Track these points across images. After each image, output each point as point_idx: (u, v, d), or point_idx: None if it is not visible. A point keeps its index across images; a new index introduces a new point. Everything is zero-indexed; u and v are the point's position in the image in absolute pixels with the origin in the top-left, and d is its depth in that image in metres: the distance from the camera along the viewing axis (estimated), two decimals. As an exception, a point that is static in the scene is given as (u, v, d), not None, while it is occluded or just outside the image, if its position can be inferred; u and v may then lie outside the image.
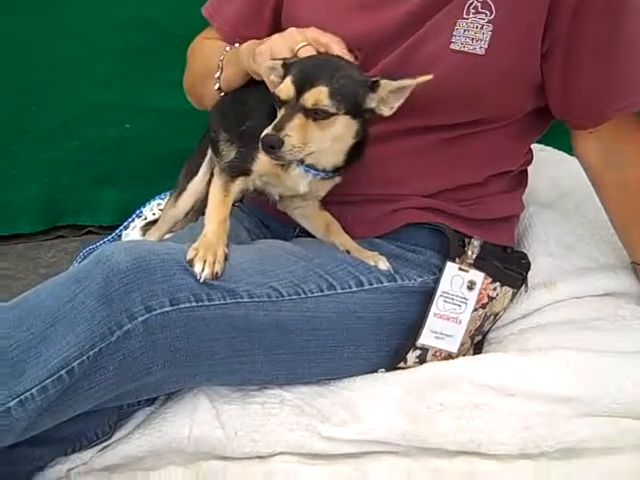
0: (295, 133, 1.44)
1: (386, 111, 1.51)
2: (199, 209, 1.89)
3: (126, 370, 1.41)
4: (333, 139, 1.50)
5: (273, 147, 1.43)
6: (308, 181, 1.57)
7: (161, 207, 2.20)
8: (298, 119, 1.45)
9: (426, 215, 1.65)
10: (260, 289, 1.50)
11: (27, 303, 1.43)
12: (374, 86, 1.49)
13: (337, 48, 1.54)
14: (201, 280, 1.44)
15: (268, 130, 1.44)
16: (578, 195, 2.02)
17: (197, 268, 1.45)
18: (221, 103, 1.79)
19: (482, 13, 1.57)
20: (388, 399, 1.56)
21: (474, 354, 1.71)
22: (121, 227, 2.24)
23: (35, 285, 2.36)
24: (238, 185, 1.58)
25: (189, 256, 1.46)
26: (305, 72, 1.47)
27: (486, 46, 1.57)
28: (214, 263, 1.46)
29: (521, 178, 1.82)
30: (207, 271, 1.45)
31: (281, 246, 1.63)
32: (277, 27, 1.78)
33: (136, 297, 1.40)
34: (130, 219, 2.24)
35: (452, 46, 1.58)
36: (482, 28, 1.57)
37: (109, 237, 2.27)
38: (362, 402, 1.57)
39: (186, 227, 1.90)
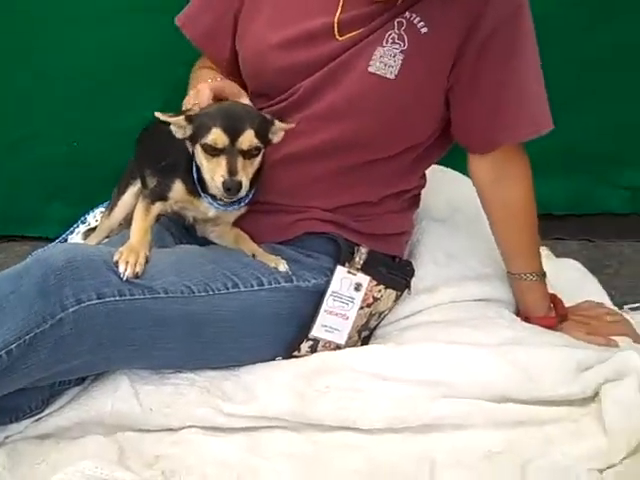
0: (245, 174, 1.73)
1: (276, 140, 1.81)
2: (130, 220, 2.16)
3: (58, 353, 1.65)
4: (254, 171, 1.78)
5: (230, 189, 1.71)
6: (214, 208, 1.83)
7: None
8: (241, 162, 1.72)
9: (324, 226, 1.92)
10: (175, 286, 1.75)
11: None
12: (272, 123, 1.78)
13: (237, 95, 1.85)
14: (124, 278, 1.70)
15: (225, 177, 1.70)
16: (468, 212, 2.26)
17: (121, 268, 1.71)
18: (144, 144, 2.06)
19: (397, 44, 1.83)
20: (282, 383, 1.82)
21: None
22: (67, 232, 2.47)
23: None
24: (157, 208, 1.85)
25: (115, 258, 1.72)
26: (229, 120, 1.73)
27: (396, 72, 1.83)
28: (135, 264, 1.73)
29: (414, 200, 2.08)
30: (129, 271, 1.71)
31: (196, 250, 1.89)
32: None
33: (68, 291, 1.64)
34: (75, 225, 2.46)
35: (369, 69, 1.84)
36: (395, 56, 1.83)
37: (57, 241, 2.50)
38: (259, 385, 1.83)
39: (120, 234, 2.16)
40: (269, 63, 1.94)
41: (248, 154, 1.73)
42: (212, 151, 1.72)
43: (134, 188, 2.12)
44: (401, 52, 1.83)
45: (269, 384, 1.83)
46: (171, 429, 1.79)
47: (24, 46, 2.60)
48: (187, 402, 1.80)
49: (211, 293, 1.79)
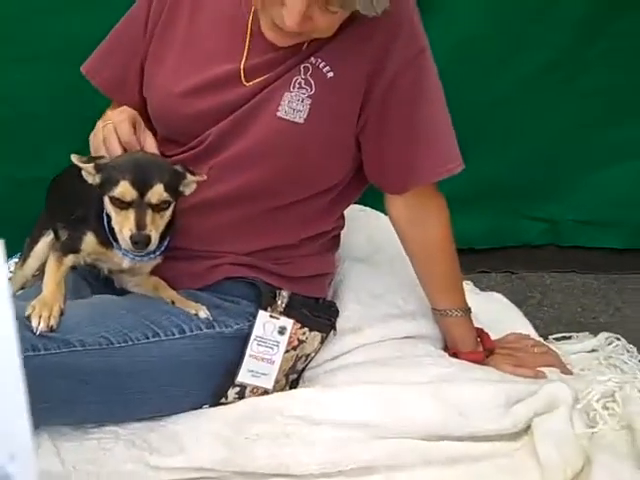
0: (154, 228, 1.69)
1: (187, 192, 1.78)
2: (44, 271, 2.10)
3: None
4: (165, 224, 1.74)
5: (137, 243, 1.67)
6: (129, 260, 1.79)
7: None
8: (150, 215, 1.68)
9: (242, 270, 1.88)
10: (92, 338, 1.70)
11: None
12: (184, 176, 1.75)
13: (149, 143, 1.84)
14: (37, 333, 1.64)
15: (132, 230, 1.66)
16: (390, 250, 2.25)
17: (34, 322, 1.65)
18: (55, 193, 2.03)
19: (304, 89, 1.82)
20: (209, 432, 1.77)
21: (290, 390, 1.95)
22: (-21, 285, 2.39)
23: None
24: (70, 260, 1.79)
25: (27, 312, 1.66)
26: (138, 173, 1.70)
27: (305, 116, 1.81)
28: (49, 317, 1.66)
29: (334, 241, 2.07)
30: (42, 325, 1.65)
31: (113, 300, 1.84)
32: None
33: None
34: (-14, 277, 2.38)
35: (278, 114, 1.82)
36: (303, 101, 1.82)
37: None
38: (187, 435, 1.77)
39: (35, 285, 2.09)
40: (176, 111, 1.91)
41: (157, 208, 1.70)
42: (120, 204, 1.69)
43: (47, 238, 2.08)
44: (308, 97, 1.82)
45: (196, 434, 1.78)
46: (96, 487, 1.73)
47: None
48: (112, 457, 1.74)
49: (130, 343, 1.74)
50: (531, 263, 2.83)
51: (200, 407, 1.84)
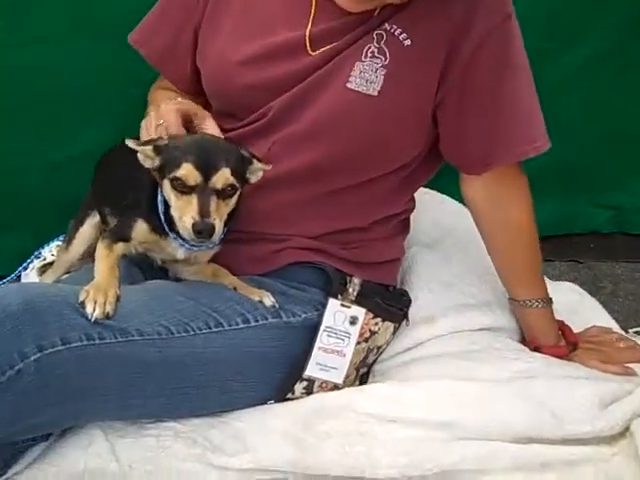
0: (218, 216, 1.54)
1: (253, 179, 1.64)
2: (90, 253, 1.97)
3: (20, 408, 1.44)
4: (228, 212, 1.60)
5: (200, 232, 1.52)
6: (184, 249, 1.66)
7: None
8: (214, 202, 1.54)
9: (309, 254, 1.74)
10: (151, 327, 1.56)
11: None
12: (250, 161, 1.62)
13: (210, 125, 1.68)
14: (92, 320, 1.49)
15: (195, 218, 1.52)
16: (458, 235, 2.13)
17: (88, 308, 1.50)
18: (103, 174, 1.91)
19: (378, 58, 1.68)
20: (276, 429, 1.63)
21: (360, 385, 1.80)
22: (20, 268, 2.26)
23: None
24: (120, 248, 1.66)
25: (81, 298, 1.51)
26: (202, 155, 1.56)
27: (378, 88, 1.67)
28: (105, 303, 1.52)
29: (404, 225, 1.92)
30: (98, 311, 1.50)
31: (171, 286, 1.70)
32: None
33: (27, 337, 1.43)
34: (29, 260, 2.25)
35: (348, 85, 1.67)
36: (376, 71, 1.67)
37: (8, 278, 2.29)
38: (252, 432, 1.63)
39: (82, 268, 1.96)
40: (233, 82, 1.77)
41: (223, 194, 1.56)
42: (182, 188, 1.55)
43: (93, 219, 1.96)
44: (382, 67, 1.68)
45: (261, 431, 1.64)
46: (154, 488, 1.59)
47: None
48: (172, 456, 1.60)
49: (192, 333, 1.60)
50: (598, 251, 2.68)
51: (264, 403, 1.71)
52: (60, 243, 2.26)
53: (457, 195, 2.22)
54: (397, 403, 1.66)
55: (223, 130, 1.76)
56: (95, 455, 1.58)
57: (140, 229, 1.67)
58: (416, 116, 1.72)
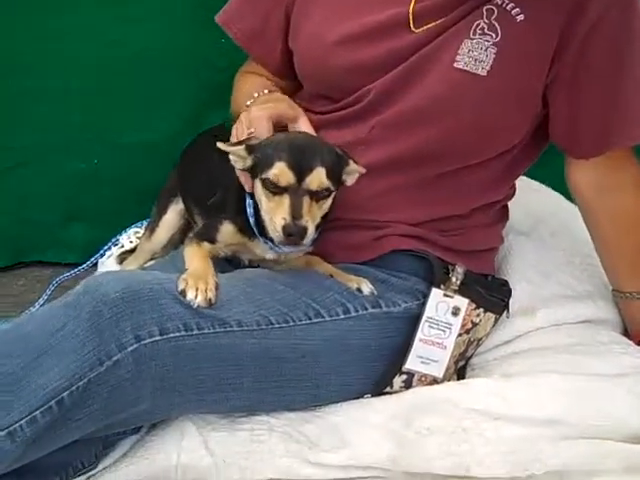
0: (311, 218, 1.48)
1: (349, 182, 1.57)
2: (176, 241, 1.92)
3: (115, 400, 1.39)
4: (322, 215, 1.54)
5: (291, 235, 1.47)
6: (274, 251, 1.60)
7: (138, 235, 2.19)
8: (307, 203, 1.48)
9: (411, 243, 1.66)
10: (249, 317, 1.49)
11: (17, 331, 1.41)
12: (346, 162, 1.55)
13: (303, 124, 1.62)
14: (195, 306, 1.43)
15: (286, 220, 1.46)
16: (552, 224, 2.04)
17: (190, 296, 1.44)
18: (190, 177, 1.86)
19: (488, 35, 1.59)
20: (375, 424, 1.56)
21: (457, 379, 1.72)
22: (97, 255, 2.21)
23: (5, 315, 2.34)
24: (207, 247, 1.61)
25: (180, 287, 1.45)
26: (296, 155, 1.49)
27: (488, 68, 1.58)
28: (206, 290, 1.46)
29: (503, 212, 1.84)
30: (200, 298, 1.44)
31: (267, 274, 1.63)
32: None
33: (126, 327, 1.38)
34: (106, 247, 2.20)
35: (455, 64, 1.59)
36: (486, 49, 1.59)
37: (84, 265, 2.24)
38: (349, 428, 1.56)
39: (167, 255, 1.91)
40: (329, 62, 1.69)
41: (316, 195, 1.50)
42: (274, 188, 1.49)
43: (177, 206, 1.92)
44: (493, 44, 1.59)
45: (360, 427, 1.57)
46: (248, 484, 1.53)
47: (45, 58, 2.34)
48: (267, 451, 1.53)
49: (292, 324, 1.53)
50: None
51: (361, 397, 1.63)
52: (138, 229, 2.22)
53: (547, 181, 2.15)
54: (501, 399, 1.57)
55: (318, 113, 1.69)
56: (188, 449, 1.53)
57: (227, 231, 1.62)
58: (525, 96, 1.63)
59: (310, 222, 1.48)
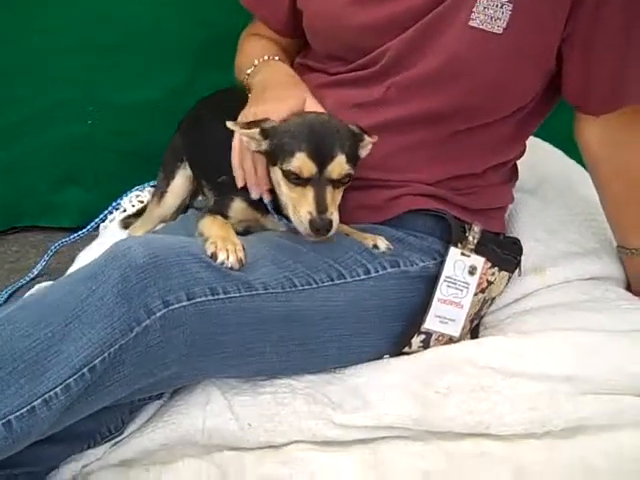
0: (335, 209, 1.49)
1: (364, 154, 1.59)
2: (184, 208, 1.92)
3: (144, 365, 1.40)
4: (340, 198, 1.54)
5: (319, 230, 1.47)
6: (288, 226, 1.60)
7: (140, 198, 2.17)
8: (330, 194, 1.49)
9: (427, 202, 1.67)
10: (274, 280, 1.50)
11: (45, 300, 1.40)
12: (361, 138, 1.56)
13: (311, 104, 1.62)
14: (228, 267, 1.44)
15: (313, 214, 1.47)
16: (556, 182, 2.07)
17: (222, 257, 1.45)
18: (198, 150, 1.84)
19: None
20: (396, 385, 1.58)
21: (472, 338, 1.74)
22: (97, 219, 2.19)
23: (3, 281, 2.32)
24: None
25: (210, 250, 1.46)
26: (316, 143, 1.49)
27: (504, 25, 1.58)
28: (236, 251, 1.47)
29: (513, 170, 1.85)
30: (232, 259, 1.45)
31: (289, 236, 1.62)
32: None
33: (154, 292, 1.38)
34: (107, 211, 2.18)
35: (470, 23, 1.59)
36: (502, 7, 1.58)
37: (84, 230, 2.23)
38: (371, 389, 1.58)
39: (177, 219, 1.90)
40: (342, 22, 1.69)
41: (337, 183, 1.50)
42: (295, 179, 1.49)
43: (185, 171, 1.90)
44: (509, 1, 1.58)
45: (382, 387, 1.59)
46: (273, 446, 1.54)
47: (38, 18, 2.32)
48: (291, 413, 1.55)
49: (315, 286, 1.54)
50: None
51: (380, 358, 1.65)
52: (139, 192, 2.20)
53: (547, 139, 2.17)
54: (518, 356, 1.60)
55: (331, 74, 1.69)
56: (213, 413, 1.54)
57: (238, 207, 1.62)
58: (541, 53, 1.63)
59: (335, 212, 1.49)
